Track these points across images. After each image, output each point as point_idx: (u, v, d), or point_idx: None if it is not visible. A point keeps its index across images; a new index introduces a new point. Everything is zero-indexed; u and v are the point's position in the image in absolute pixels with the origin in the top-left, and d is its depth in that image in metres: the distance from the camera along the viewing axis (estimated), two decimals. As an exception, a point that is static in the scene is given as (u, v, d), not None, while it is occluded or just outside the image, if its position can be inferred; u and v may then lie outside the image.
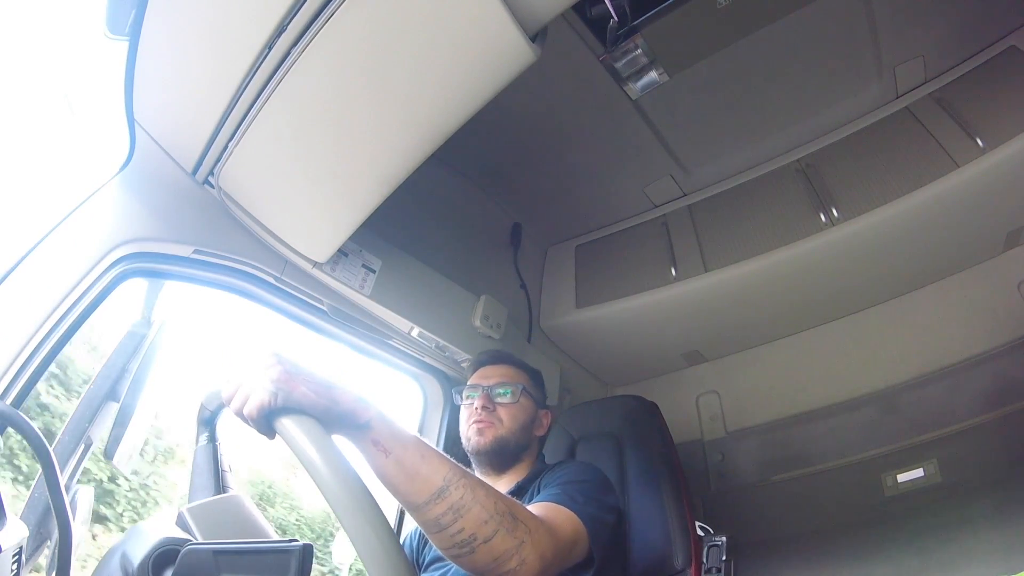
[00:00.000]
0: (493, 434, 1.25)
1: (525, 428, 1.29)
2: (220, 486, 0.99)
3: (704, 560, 1.26)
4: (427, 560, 1.23)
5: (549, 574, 0.83)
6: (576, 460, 1.45)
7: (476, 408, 1.28)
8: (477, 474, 1.28)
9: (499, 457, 1.26)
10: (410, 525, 1.57)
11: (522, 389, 1.32)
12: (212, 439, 1.03)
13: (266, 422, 0.65)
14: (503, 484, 1.25)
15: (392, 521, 1.65)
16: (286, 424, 0.63)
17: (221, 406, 1.06)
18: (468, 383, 1.36)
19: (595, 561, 0.98)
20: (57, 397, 2.77)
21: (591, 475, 1.14)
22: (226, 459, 1.03)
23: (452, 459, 0.77)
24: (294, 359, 0.70)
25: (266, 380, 0.65)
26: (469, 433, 1.27)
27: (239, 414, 0.67)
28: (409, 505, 0.74)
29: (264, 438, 0.67)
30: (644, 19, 1.52)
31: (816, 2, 1.56)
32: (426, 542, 1.29)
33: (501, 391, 1.31)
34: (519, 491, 1.19)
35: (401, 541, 1.33)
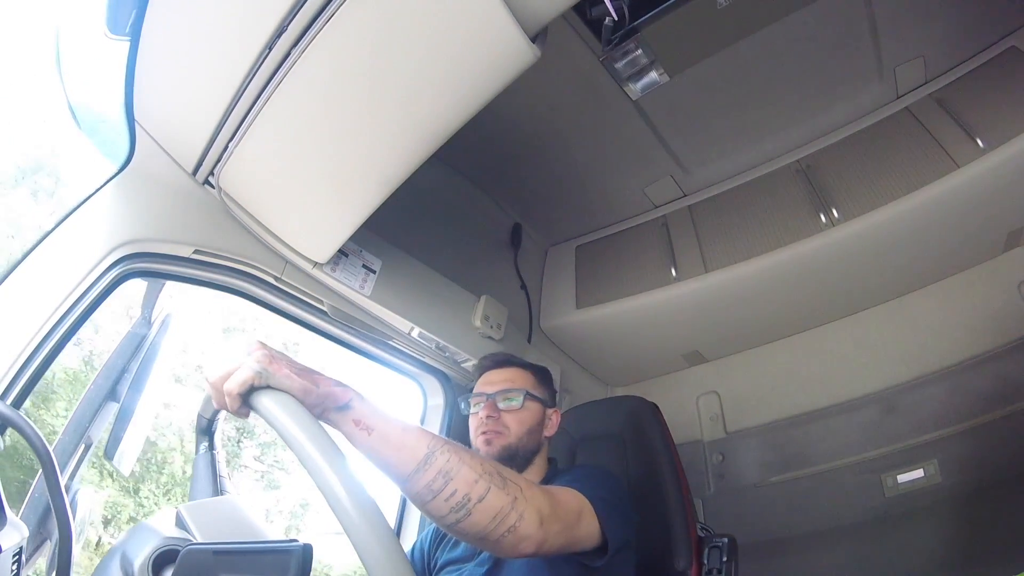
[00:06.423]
0: (501, 443, 1.22)
1: (533, 432, 1.26)
2: (218, 491, 1.04)
3: (705, 561, 1.26)
4: (440, 563, 1.21)
5: (551, 534, 0.83)
6: (587, 464, 1.43)
7: (481, 418, 1.24)
8: None
9: (509, 464, 1.23)
10: (416, 530, 1.56)
11: (526, 393, 1.28)
12: (211, 447, 1.06)
13: (244, 399, 0.67)
14: None
15: (392, 523, 1.64)
16: (264, 401, 0.66)
17: (217, 413, 1.08)
18: (473, 391, 1.33)
19: (609, 544, 0.96)
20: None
21: (600, 473, 1.14)
22: (223, 466, 1.07)
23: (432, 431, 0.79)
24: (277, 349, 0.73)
25: (251, 360, 0.68)
26: (477, 444, 1.25)
27: (219, 391, 0.69)
28: (400, 476, 0.74)
29: (238, 416, 0.70)
30: (644, 19, 1.52)
31: (816, 2, 1.56)
32: (439, 545, 1.26)
33: (506, 398, 1.27)
34: None
35: (408, 547, 1.31)
